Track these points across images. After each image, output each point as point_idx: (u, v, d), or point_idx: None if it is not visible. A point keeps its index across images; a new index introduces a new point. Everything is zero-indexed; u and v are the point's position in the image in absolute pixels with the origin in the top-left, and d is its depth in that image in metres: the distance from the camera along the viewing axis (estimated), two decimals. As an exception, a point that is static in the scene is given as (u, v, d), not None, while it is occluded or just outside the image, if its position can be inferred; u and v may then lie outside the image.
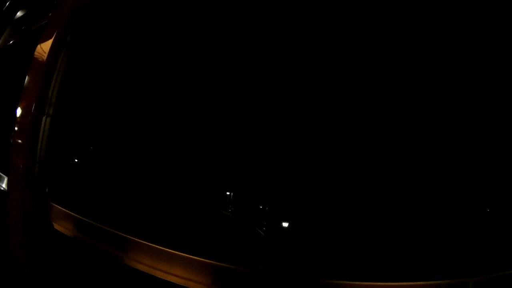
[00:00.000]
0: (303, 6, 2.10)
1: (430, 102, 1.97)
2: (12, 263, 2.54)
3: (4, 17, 5.08)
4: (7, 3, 5.27)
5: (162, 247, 2.00)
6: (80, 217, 2.29)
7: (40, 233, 2.41)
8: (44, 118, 2.49)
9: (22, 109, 2.49)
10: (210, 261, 1.87)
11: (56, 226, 2.34)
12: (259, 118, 2.11)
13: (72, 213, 2.34)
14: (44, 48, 2.53)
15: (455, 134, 1.97)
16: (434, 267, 1.77)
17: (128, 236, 2.08)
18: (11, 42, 3.73)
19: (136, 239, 2.07)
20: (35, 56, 2.53)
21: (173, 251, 1.97)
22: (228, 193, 2.11)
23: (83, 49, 2.58)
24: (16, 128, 2.50)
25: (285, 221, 1.98)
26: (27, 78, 2.53)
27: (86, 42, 2.59)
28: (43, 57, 2.50)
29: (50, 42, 2.53)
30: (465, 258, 1.81)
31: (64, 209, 2.36)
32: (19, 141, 2.49)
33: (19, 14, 4.75)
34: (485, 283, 1.75)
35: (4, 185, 2.99)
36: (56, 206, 2.40)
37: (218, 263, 1.85)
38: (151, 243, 2.03)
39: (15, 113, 2.60)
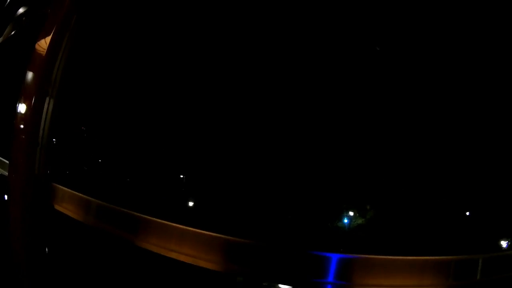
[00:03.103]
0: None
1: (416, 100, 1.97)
2: (12, 252, 2.47)
3: (5, 14, 5.07)
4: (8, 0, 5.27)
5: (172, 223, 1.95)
6: (85, 196, 2.24)
7: (41, 215, 2.35)
8: (47, 99, 2.44)
9: (24, 90, 2.45)
10: (221, 236, 1.83)
11: (58, 208, 2.27)
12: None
13: (76, 193, 2.29)
14: (48, 30, 2.51)
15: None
16: (445, 243, 1.79)
17: (136, 214, 2.03)
18: (12, 33, 3.70)
19: (146, 217, 2.02)
20: (39, 37, 2.51)
21: (183, 227, 1.93)
22: (236, 169, 2.06)
23: (88, 31, 2.56)
24: (18, 110, 2.45)
25: (296, 196, 1.93)
26: (31, 59, 2.49)
27: (91, 25, 2.57)
28: (47, 38, 2.48)
29: (55, 24, 2.50)
30: (475, 235, 1.82)
31: (67, 189, 2.30)
32: (21, 123, 2.44)
33: (20, 10, 4.74)
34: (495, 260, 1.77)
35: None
36: (59, 187, 2.34)
37: (230, 238, 1.81)
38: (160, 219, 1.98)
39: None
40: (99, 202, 2.14)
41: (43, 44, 2.49)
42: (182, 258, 1.90)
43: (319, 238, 1.86)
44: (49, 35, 2.46)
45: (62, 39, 2.48)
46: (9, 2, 5.19)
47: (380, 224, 1.88)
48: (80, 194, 2.25)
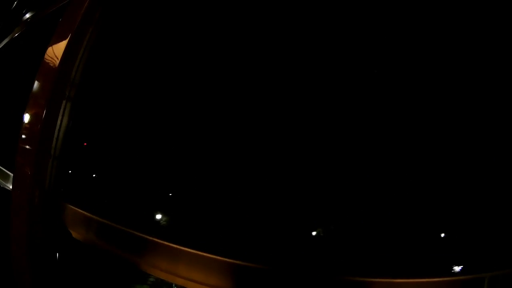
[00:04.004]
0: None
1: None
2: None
3: (12, 17, 4.78)
4: (15, 3, 5.00)
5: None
6: (104, 220, 1.83)
7: (52, 242, 1.93)
8: (64, 102, 2.07)
9: (37, 89, 2.08)
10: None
11: (73, 233, 1.87)
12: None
13: (93, 216, 1.88)
14: (68, 24, 2.16)
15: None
16: (449, 263, 1.67)
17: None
18: (22, 31, 3.36)
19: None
20: (57, 31, 2.16)
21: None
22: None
23: (114, 26, 2.21)
24: (27, 112, 2.07)
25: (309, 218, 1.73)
26: (46, 54, 2.13)
27: (118, 18, 2.23)
28: (67, 33, 2.12)
29: (75, 18, 2.15)
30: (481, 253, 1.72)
31: (83, 211, 1.89)
32: (31, 128, 2.06)
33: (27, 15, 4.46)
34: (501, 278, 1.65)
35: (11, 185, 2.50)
36: (73, 207, 1.93)
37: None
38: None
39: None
40: (122, 229, 1.74)
41: (62, 36, 2.13)
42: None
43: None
44: (70, 26, 2.11)
45: (85, 32, 2.14)
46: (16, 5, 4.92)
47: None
48: (97, 217, 1.85)
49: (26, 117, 2.08)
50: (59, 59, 2.07)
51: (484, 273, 1.61)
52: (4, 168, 2.74)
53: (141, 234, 1.72)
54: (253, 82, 1.96)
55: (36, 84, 2.10)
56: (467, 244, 1.70)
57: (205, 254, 1.63)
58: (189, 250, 1.65)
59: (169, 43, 2.13)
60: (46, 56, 2.14)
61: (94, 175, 2.11)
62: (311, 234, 1.72)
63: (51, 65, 2.10)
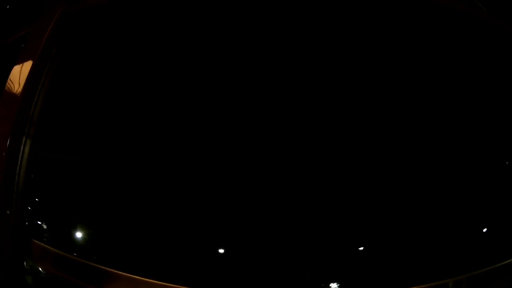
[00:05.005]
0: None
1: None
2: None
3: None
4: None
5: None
6: (69, 255, 1.93)
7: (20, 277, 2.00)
8: (23, 139, 2.13)
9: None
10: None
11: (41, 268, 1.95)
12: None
13: (58, 251, 1.97)
14: (27, 58, 2.21)
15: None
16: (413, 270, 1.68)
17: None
18: None
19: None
20: (15, 68, 2.19)
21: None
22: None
23: (73, 60, 2.27)
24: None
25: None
26: (3, 92, 2.18)
27: (77, 52, 2.28)
28: (25, 68, 2.17)
29: (34, 52, 2.21)
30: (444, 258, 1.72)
31: (51, 248, 1.97)
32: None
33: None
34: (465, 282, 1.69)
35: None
36: (39, 243, 2.01)
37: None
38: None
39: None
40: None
41: (20, 73, 2.18)
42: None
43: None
44: (27, 61, 2.17)
45: (43, 68, 2.19)
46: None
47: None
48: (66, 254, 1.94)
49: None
50: (18, 95, 2.13)
51: (447, 279, 1.67)
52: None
53: (104, 267, 1.82)
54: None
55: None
56: (427, 250, 1.74)
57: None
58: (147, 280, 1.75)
59: (125, 84, 2.22)
60: (3, 94, 2.18)
61: (58, 210, 2.17)
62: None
63: (10, 103, 2.14)
